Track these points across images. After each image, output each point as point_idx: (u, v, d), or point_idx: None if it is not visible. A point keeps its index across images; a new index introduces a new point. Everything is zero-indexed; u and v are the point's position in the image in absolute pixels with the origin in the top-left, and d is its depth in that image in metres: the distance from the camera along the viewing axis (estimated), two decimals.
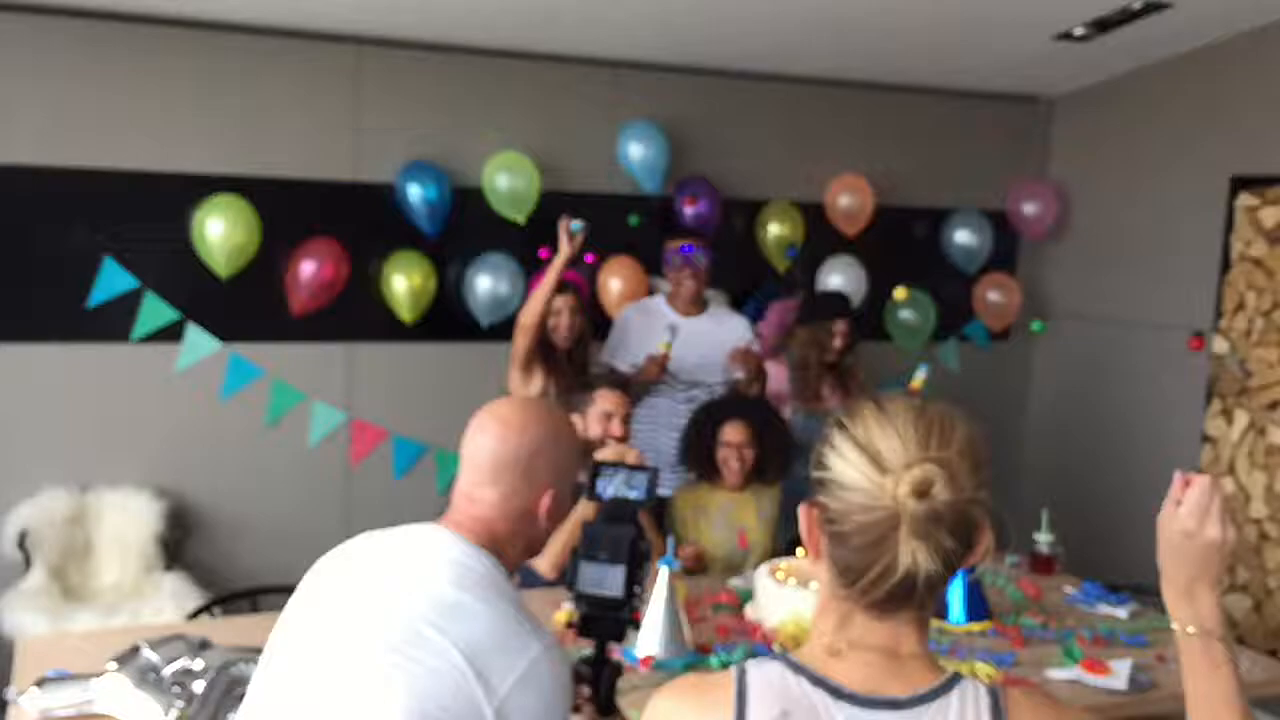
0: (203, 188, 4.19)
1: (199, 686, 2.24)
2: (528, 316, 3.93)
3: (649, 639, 2.64)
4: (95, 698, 2.25)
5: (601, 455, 3.18)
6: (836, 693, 1.16)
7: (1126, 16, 4.32)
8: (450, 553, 1.60)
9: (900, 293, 5.18)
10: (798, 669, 1.18)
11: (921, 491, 1.12)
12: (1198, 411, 4.76)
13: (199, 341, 4.27)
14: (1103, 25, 4.44)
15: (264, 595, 3.33)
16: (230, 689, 2.21)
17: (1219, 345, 4.69)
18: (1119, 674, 2.61)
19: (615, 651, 1.86)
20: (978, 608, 2.96)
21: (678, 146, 4.79)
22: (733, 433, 3.62)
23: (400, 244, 4.49)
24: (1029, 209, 5.41)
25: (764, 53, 4.79)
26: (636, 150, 4.71)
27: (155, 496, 4.16)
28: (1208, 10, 4.38)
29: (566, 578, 1.84)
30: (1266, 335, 4.53)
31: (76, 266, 4.10)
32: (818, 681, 1.17)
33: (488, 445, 1.68)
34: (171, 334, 4.24)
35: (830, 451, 1.19)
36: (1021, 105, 5.59)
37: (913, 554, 1.12)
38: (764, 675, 1.19)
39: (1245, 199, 4.62)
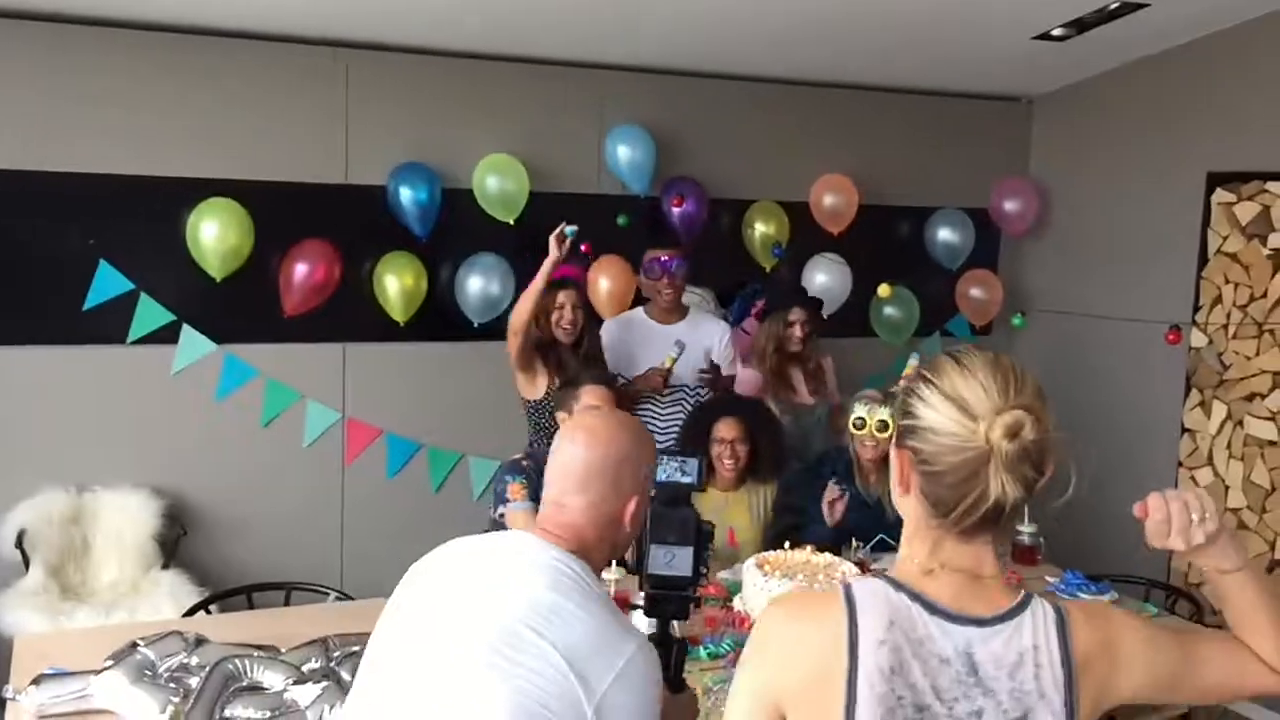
0: (196, 191, 4.25)
1: (195, 683, 2.29)
2: (516, 319, 3.99)
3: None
4: (92, 694, 2.30)
5: None
6: (931, 607, 1.31)
7: (1104, 17, 4.40)
8: (543, 557, 1.67)
9: (884, 290, 5.25)
10: (897, 585, 1.33)
11: (1013, 434, 1.27)
12: (1176, 404, 4.84)
13: (194, 343, 4.34)
14: (1081, 25, 4.51)
15: (259, 592, 3.40)
16: (225, 684, 2.27)
17: (1197, 339, 4.78)
18: None
19: (678, 630, 1.95)
20: None
21: (664, 148, 4.86)
22: (726, 429, 3.69)
23: (392, 245, 4.56)
24: (1010, 206, 5.49)
25: (749, 55, 4.86)
26: (624, 152, 4.78)
27: (152, 496, 4.22)
28: (1184, 10, 4.45)
29: (632, 562, 1.91)
30: (1243, 328, 4.61)
31: (72, 270, 4.16)
32: (915, 596, 1.32)
33: (578, 455, 1.75)
34: (167, 336, 4.31)
35: (918, 402, 1.34)
36: (1002, 105, 5.67)
37: (1002, 485, 1.27)
38: (869, 589, 1.33)
39: (1221, 194, 4.70)
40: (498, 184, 4.59)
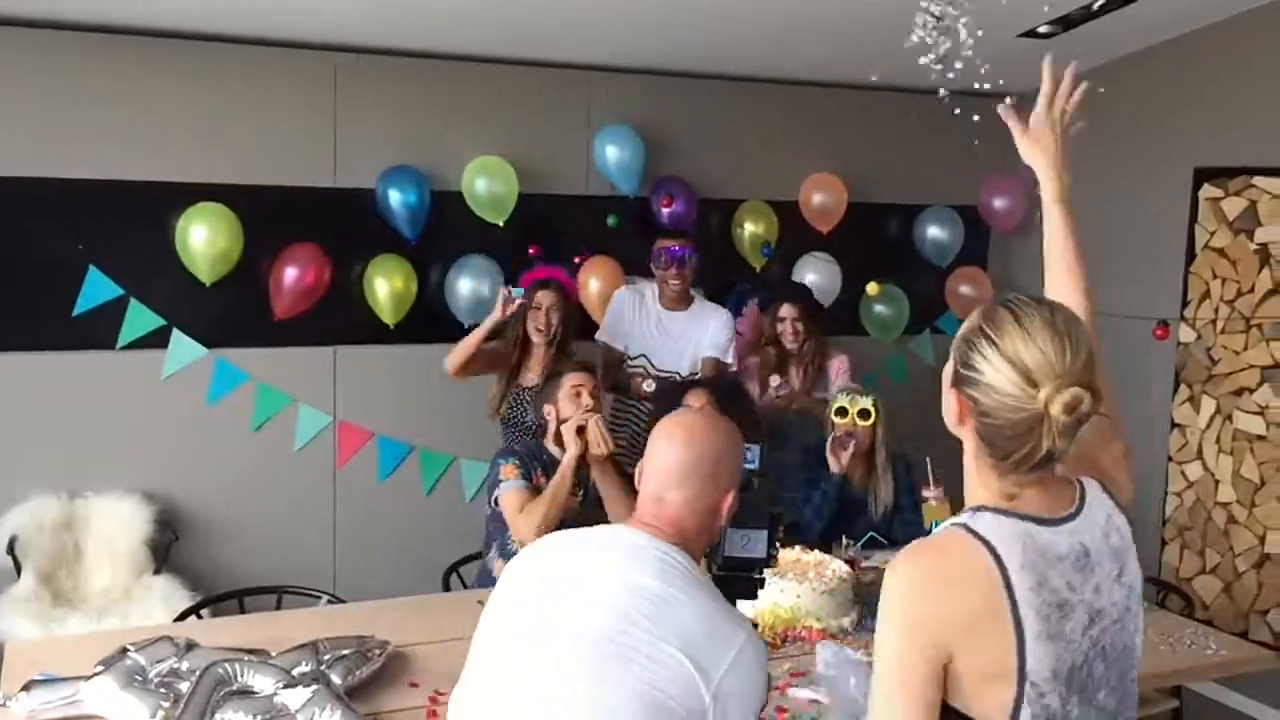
0: (185, 196, 4.25)
1: (185, 687, 2.29)
2: (451, 361, 4.10)
3: None
4: (82, 699, 2.30)
5: (573, 424, 3.31)
6: (1039, 520, 1.46)
7: (1091, 14, 4.41)
8: (649, 549, 1.72)
9: (873, 288, 5.26)
10: (1004, 513, 1.45)
11: (1072, 409, 1.39)
12: (1166, 399, 4.86)
13: (184, 347, 4.34)
14: (1068, 23, 4.52)
15: (251, 596, 3.41)
16: (215, 689, 2.27)
17: (1185, 334, 4.79)
18: None
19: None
20: None
21: (653, 148, 4.87)
22: (694, 399, 3.68)
23: (381, 248, 4.56)
24: (999, 204, 5.50)
25: (737, 55, 4.87)
26: (613, 152, 4.79)
27: (144, 501, 4.22)
28: (1170, 6, 4.47)
29: (709, 549, 1.96)
30: (1231, 323, 4.63)
31: (62, 276, 4.16)
32: (1023, 517, 1.45)
33: (676, 452, 1.81)
34: (157, 341, 4.31)
35: (979, 358, 1.45)
36: (989, 102, 5.67)
37: (1054, 441, 1.41)
38: (990, 523, 1.44)
39: (1209, 190, 4.72)
40: (487, 186, 4.60)
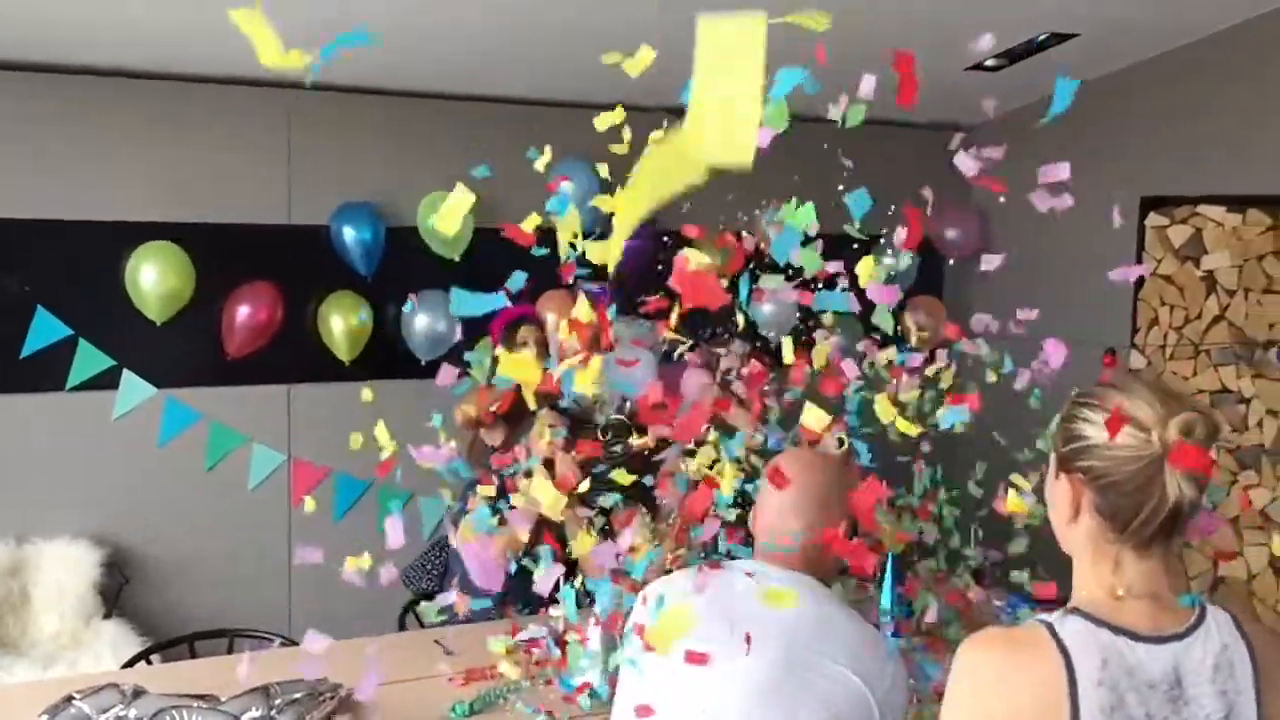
0: (135, 235, 4.21)
1: None
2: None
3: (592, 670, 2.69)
4: None
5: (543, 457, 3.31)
6: (1134, 635, 1.36)
7: (1035, 48, 4.49)
8: (797, 580, 1.86)
9: (828, 318, 5.29)
10: (1097, 621, 1.36)
11: (1188, 431, 1.34)
12: None
13: (134, 388, 4.29)
14: (1013, 56, 4.60)
15: (202, 640, 3.34)
16: None
17: (1136, 360, 4.85)
18: None
19: None
20: (903, 604, 3.10)
21: (608, 181, 4.87)
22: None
23: (336, 285, 4.54)
24: (951, 233, 5.57)
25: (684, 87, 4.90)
26: (567, 186, 4.79)
27: (94, 545, 4.15)
28: (1112, 39, 4.56)
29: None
30: (1180, 349, 4.70)
31: (9, 317, 4.10)
32: (1118, 630, 1.36)
33: (786, 496, 1.96)
34: (107, 381, 4.25)
35: (1084, 424, 1.40)
36: (940, 133, 5.75)
37: (1179, 486, 1.34)
38: (1073, 629, 1.36)
39: (1155, 218, 4.80)
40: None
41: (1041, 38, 4.35)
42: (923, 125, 5.68)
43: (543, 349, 4.11)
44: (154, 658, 3.33)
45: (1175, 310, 4.71)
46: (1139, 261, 4.84)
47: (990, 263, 2.59)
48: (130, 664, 3.26)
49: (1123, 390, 1.40)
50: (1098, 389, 1.43)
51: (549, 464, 3.36)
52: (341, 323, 4.48)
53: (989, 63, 4.64)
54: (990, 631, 1.40)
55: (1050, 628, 1.36)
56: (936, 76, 4.82)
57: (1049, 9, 4.16)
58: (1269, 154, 4.37)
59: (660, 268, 5.07)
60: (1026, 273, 5.44)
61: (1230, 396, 4.55)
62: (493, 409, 3.99)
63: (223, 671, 2.79)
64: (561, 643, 2.87)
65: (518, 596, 3.44)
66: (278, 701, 2.41)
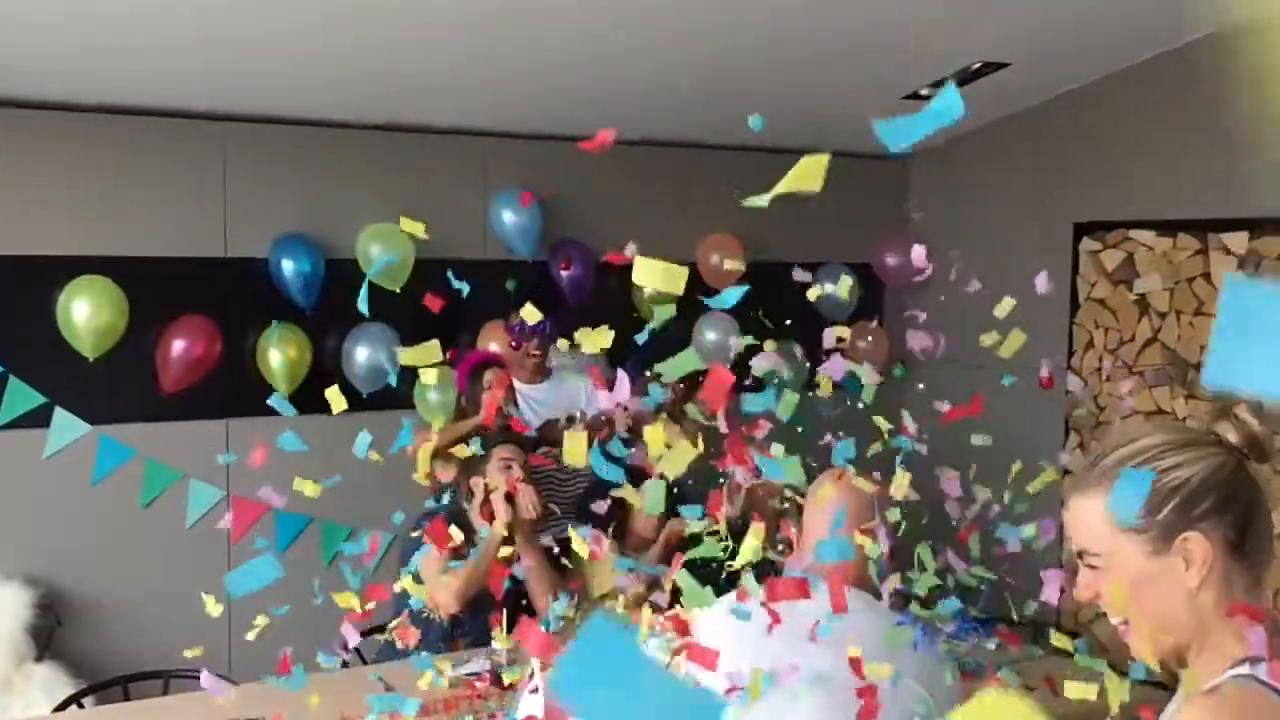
0: (67, 269, 4.13)
1: None
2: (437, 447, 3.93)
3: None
4: None
5: (503, 489, 3.37)
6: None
7: (968, 76, 4.57)
8: (851, 596, 1.84)
9: (769, 344, 5.31)
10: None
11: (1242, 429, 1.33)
12: (1056, 446, 4.98)
13: (67, 425, 4.19)
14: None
15: (137, 682, 3.27)
16: None
17: (1073, 383, 4.92)
18: None
19: None
20: None
21: (550, 212, 4.89)
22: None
23: (275, 317, 4.48)
24: (891, 260, 5.64)
25: (631, 119, 4.93)
26: (509, 217, 4.80)
27: (25, 585, 4.04)
28: (1043, 69, 4.66)
29: None
30: (1116, 371, 4.78)
31: None
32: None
33: (813, 524, 2.15)
34: (39, 419, 4.16)
35: (1174, 470, 1.31)
36: (880, 162, 5.83)
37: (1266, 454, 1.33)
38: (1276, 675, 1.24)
39: (1088, 243, 4.90)
40: (381, 252, 4.56)
41: (975, 66, 4.44)
42: (862, 154, 5.75)
43: (509, 392, 4.13)
44: (86, 700, 3.26)
45: (1110, 333, 4.80)
46: (1073, 286, 4.93)
47: (919, 257, 2.52)
48: (62, 707, 3.19)
49: (1156, 427, 1.39)
50: (1126, 448, 1.35)
51: (509, 497, 3.38)
52: (280, 356, 4.42)
53: (924, 92, 4.72)
54: (1203, 703, 1.28)
55: (1257, 680, 1.25)
56: (873, 105, 4.89)
57: (984, 39, 4.25)
58: (1197, 178, 4.48)
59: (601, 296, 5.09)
60: (966, 298, 5.53)
61: (1165, 417, 4.64)
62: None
63: (156, 714, 2.74)
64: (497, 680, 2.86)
65: (466, 633, 3.41)
66: None
